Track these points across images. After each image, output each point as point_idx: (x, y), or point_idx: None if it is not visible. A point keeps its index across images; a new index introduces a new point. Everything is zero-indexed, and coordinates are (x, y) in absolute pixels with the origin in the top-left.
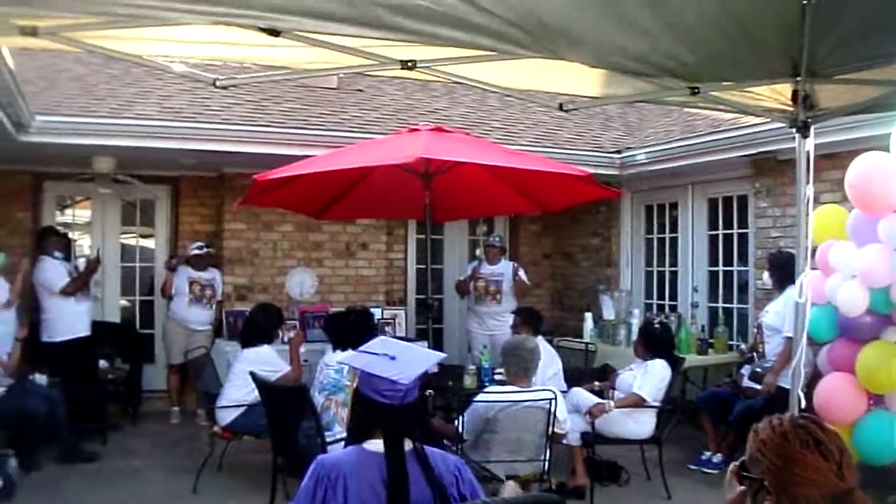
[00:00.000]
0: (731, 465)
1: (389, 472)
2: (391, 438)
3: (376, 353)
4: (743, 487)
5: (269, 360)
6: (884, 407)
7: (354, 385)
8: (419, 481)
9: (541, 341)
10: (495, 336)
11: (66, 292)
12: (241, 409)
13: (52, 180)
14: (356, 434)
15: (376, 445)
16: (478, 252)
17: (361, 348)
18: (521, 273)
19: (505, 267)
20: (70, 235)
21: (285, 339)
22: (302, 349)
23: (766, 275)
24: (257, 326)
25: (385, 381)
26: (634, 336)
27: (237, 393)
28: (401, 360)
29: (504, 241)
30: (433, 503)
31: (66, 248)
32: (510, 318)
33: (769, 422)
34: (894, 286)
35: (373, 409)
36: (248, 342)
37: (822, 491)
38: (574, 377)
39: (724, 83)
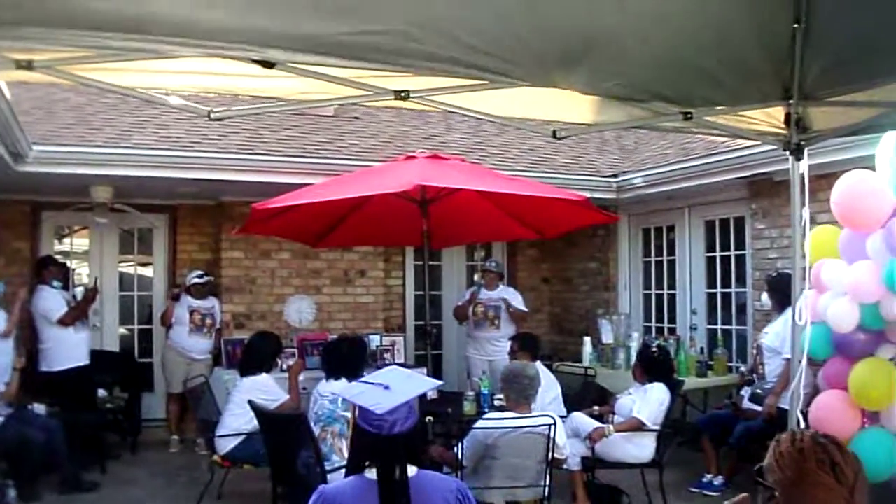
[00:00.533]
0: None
1: (381, 501)
2: (381, 468)
3: (371, 384)
4: (745, 494)
5: (267, 389)
6: (878, 424)
7: (353, 415)
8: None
9: (539, 366)
10: (494, 361)
11: (64, 322)
12: (241, 438)
13: (50, 210)
14: (353, 464)
15: (374, 473)
16: (476, 277)
17: (364, 378)
18: (516, 302)
19: (502, 292)
20: (68, 264)
21: (284, 367)
22: (301, 377)
23: (764, 296)
24: (255, 354)
25: (370, 412)
26: (633, 359)
27: (236, 421)
28: (394, 389)
29: (501, 266)
30: None
31: (65, 278)
32: (508, 344)
33: (792, 434)
34: (884, 302)
35: (365, 439)
36: (246, 370)
37: None
38: (573, 402)
39: (717, 108)
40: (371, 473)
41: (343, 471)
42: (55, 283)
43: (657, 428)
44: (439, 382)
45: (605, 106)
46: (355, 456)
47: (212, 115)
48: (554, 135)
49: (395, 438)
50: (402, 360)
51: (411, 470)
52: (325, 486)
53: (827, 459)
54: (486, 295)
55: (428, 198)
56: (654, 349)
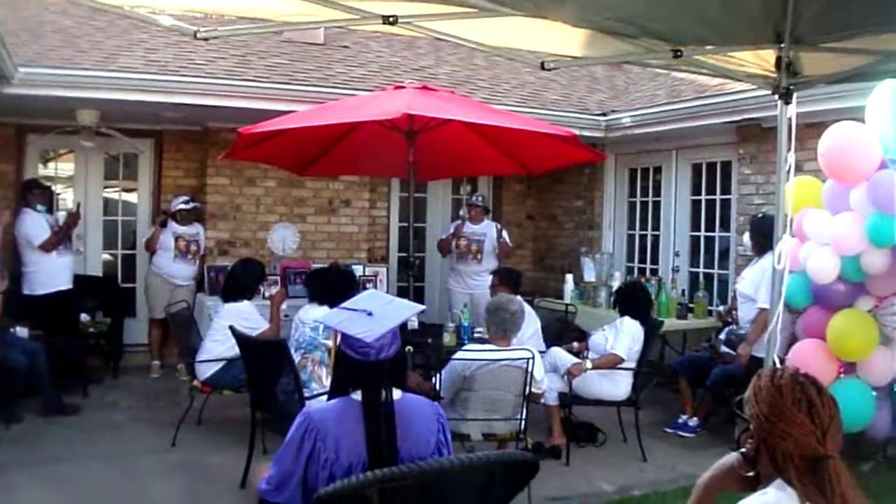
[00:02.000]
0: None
1: (367, 425)
2: (367, 393)
3: (354, 310)
4: (737, 455)
5: (248, 316)
6: (854, 374)
7: (336, 343)
8: (408, 425)
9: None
10: (475, 295)
11: (46, 248)
12: (221, 364)
13: (36, 133)
14: (338, 389)
15: (357, 396)
16: (461, 212)
17: (344, 304)
18: (506, 234)
19: (487, 227)
20: (53, 188)
21: (266, 294)
22: (283, 305)
23: (746, 237)
24: (238, 281)
25: (357, 340)
26: (608, 298)
27: (217, 347)
28: (377, 316)
29: (487, 200)
30: (420, 447)
31: (49, 202)
32: (488, 277)
33: (773, 371)
34: (865, 254)
35: (350, 366)
36: (229, 297)
37: (800, 451)
38: (553, 338)
39: (708, 47)
40: (357, 395)
41: (322, 398)
42: (39, 207)
43: (633, 366)
44: (422, 307)
45: (594, 40)
46: (339, 382)
47: (198, 35)
48: (542, 66)
49: (380, 364)
50: (384, 290)
51: (396, 393)
52: (310, 408)
53: (804, 399)
54: (471, 229)
55: (415, 128)
56: (628, 284)
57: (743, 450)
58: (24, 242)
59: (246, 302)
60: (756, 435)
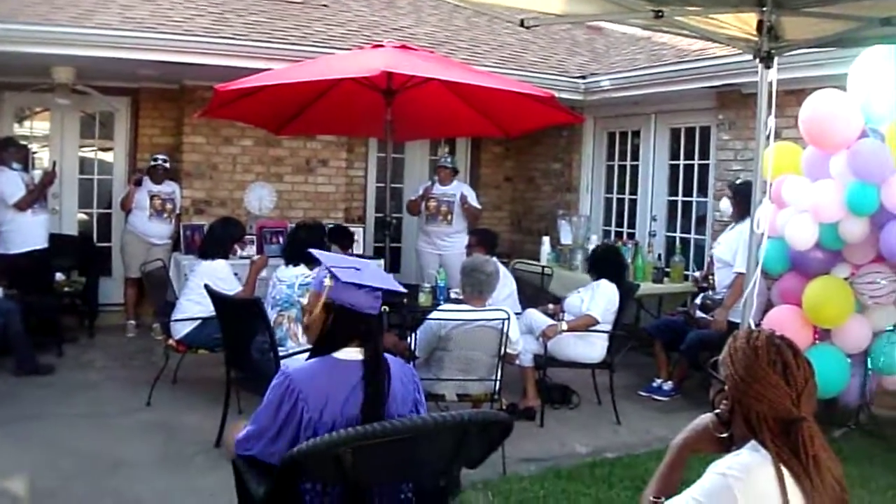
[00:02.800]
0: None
1: (370, 378)
2: (371, 346)
3: (343, 267)
4: (711, 416)
5: (223, 276)
6: (829, 341)
7: (323, 298)
8: (388, 389)
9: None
10: (444, 255)
11: (20, 207)
12: (196, 323)
13: (11, 91)
14: (330, 345)
15: (348, 354)
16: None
17: (331, 263)
18: (471, 199)
19: (457, 188)
20: (29, 147)
21: (244, 253)
22: (262, 273)
23: (724, 202)
24: (216, 239)
25: (364, 291)
26: (584, 261)
27: (192, 307)
28: (365, 272)
29: (455, 162)
30: (403, 407)
31: (25, 160)
32: (459, 238)
33: (749, 332)
34: (844, 222)
35: (350, 319)
36: (205, 255)
37: (774, 412)
38: (529, 300)
39: (690, 8)
40: (343, 354)
41: (297, 357)
42: (15, 166)
43: (608, 329)
44: (403, 290)
45: None
46: (333, 338)
47: None
48: (522, 23)
49: (378, 318)
50: (360, 251)
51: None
52: (288, 368)
53: (779, 360)
54: (440, 190)
55: (394, 87)
56: (602, 248)
57: (717, 411)
58: None
59: (221, 261)
60: (731, 396)
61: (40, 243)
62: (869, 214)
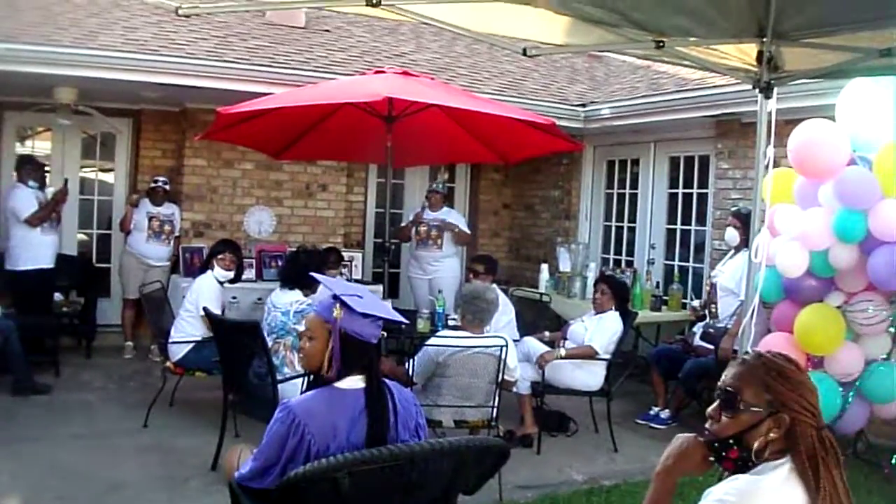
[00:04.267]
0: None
1: (372, 406)
2: (373, 375)
3: (351, 294)
4: (694, 435)
5: (209, 295)
6: (822, 369)
7: (330, 326)
8: (391, 413)
9: (496, 290)
10: (434, 280)
11: (31, 222)
12: (193, 345)
13: (13, 110)
14: (338, 375)
15: (350, 383)
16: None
17: (339, 291)
18: (461, 225)
19: (447, 214)
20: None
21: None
22: (258, 286)
23: (729, 232)
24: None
25: (370, 320)
26: (590, 289)
27: (189, 327)
28: (367, 301)
29: (446, 188)
30: (405, 432)
31: (42, 178)
32: (449, 263)
33: (755, 353)
34: (833, 249)
35: (357, 348)
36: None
37: (815, 420)
38: (527, 327)
39: (690, 38)
40: (342, 384)
41: (294, 381)
42: (31, 183)
43: (608, 357)
44: (405, 321)
45: (576, 28)
46: (345, 366)
47: (179, 11)
48: (524, 52)
49: (378, 344)
50: (359, 276)
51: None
52: (290, 401)
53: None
54: (431, 215)
55: (394, 113)
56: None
57: (707, 433)
58: (11, 216)
59: (210, 275)
60: (767, 413)
61: (47, 262)
62: (857, 242)
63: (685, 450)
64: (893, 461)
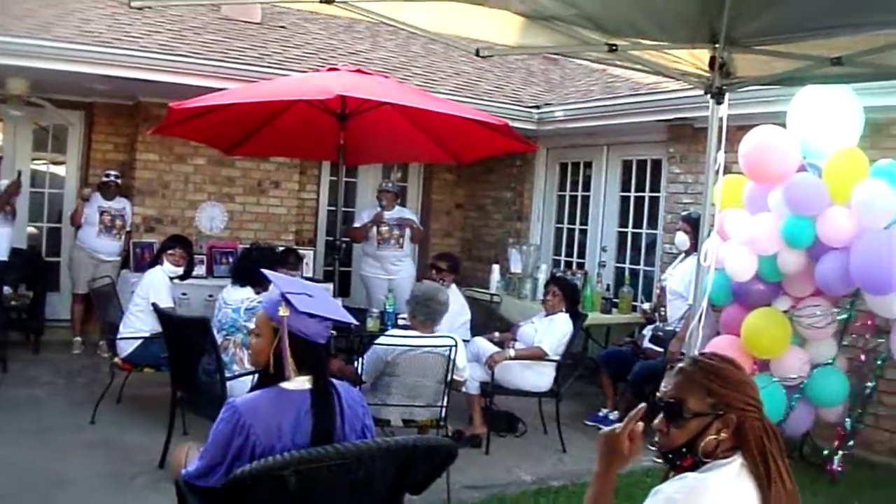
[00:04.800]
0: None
1: (318, 406)
2: (319, 374)
3: (297, 293)
4: (643, 405)
5: (157, 288)
6: (768, 372)
7: (274, 324)
8: (338, 414)
9: (456, 291)
10: (393, 280)
11: None
12: (141, 341)
13: None
14: (279, 374)
15: (296, 383)
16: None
17: (283, 286)
18: (417, 220)
19: (401, 212)
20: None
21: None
22: (209, 282)
23: (679, 236)
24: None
25: (317, 320)
26: (540, 290)
27: (138, 322)
28: (318, 299)
29: (398, 186)
30: (352, 433)
31: None
32: (408, 263)
33: (692, 357)
34: (781, 254)
35: (303, 347)
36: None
37: (760, 415)
38: (477, 328)
39: (644, 42)
40: (289, 384)
41: (243, 379)
42: None
43: (557, 359)
44: (355, 322)
45: (530, 29)
46: (282, 366)
47: (132, 4)
48: (477, 53)
49: (326, 344)
50: (310, 274)
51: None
52: (235, 400)
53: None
54: (388, 215)
55: (347, 111)
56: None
57: (657, 447)
58: None
59: (159, 270)
60: (713, 414)
61: (1, 255)
62: (805, 247)
63: (611, 446)
64: (835, 462)
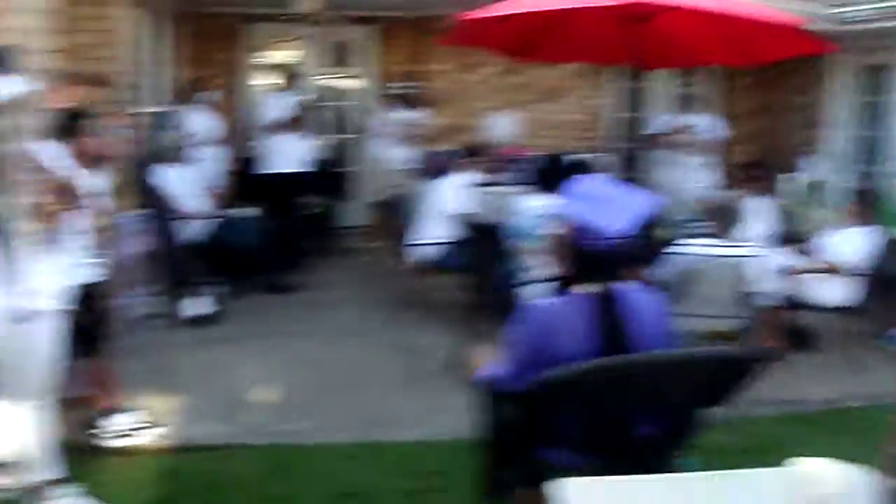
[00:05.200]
0: None
1: (602, 319)
2: (609, 280)
3: (591, 199)
4: None
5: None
6: None
7: (562, 232)
8: (639, 318)
9: (758, 200)
10: (691, 188)
11: (274, 130)
12: (436, 246)
13: (258, 21)
14: (573, 279)
15: (589, 290)
16: None
17: (578, 192)
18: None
19: (695, 119)
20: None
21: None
22: (503, 190)
23: None
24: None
25: (597, 231)
26: (840, 201)
27: (433, 229)
28: (616, 205)
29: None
30: (650, 340)
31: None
32: (704, 170)
33: None
34: None
35: (586, 257)
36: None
37: None
38: (776, 239)
39: None
40: (584, 290)
41: (536, 285)
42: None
43: (857, 273)
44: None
45: None
46: (576, 275)
47: None
48: None
49: (617, 255)
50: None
51: (623, 285)
52: (532, 305)
53: None
54: (681, 121)
55: (641, 15)
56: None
57: None
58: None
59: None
60: None
61: (299, 167)
62: None
63: None
64: None
